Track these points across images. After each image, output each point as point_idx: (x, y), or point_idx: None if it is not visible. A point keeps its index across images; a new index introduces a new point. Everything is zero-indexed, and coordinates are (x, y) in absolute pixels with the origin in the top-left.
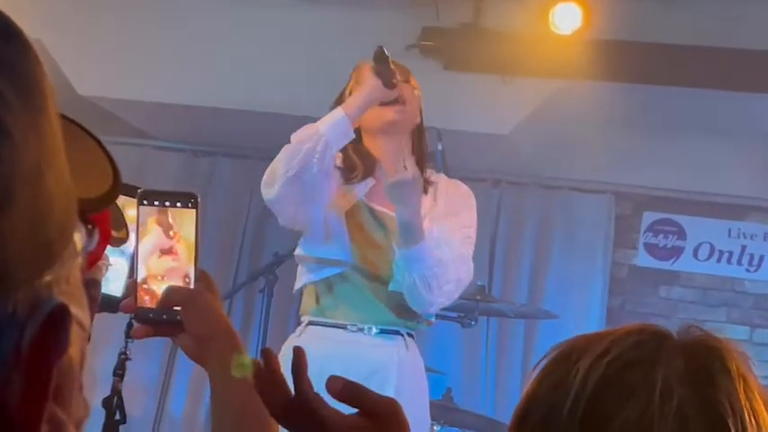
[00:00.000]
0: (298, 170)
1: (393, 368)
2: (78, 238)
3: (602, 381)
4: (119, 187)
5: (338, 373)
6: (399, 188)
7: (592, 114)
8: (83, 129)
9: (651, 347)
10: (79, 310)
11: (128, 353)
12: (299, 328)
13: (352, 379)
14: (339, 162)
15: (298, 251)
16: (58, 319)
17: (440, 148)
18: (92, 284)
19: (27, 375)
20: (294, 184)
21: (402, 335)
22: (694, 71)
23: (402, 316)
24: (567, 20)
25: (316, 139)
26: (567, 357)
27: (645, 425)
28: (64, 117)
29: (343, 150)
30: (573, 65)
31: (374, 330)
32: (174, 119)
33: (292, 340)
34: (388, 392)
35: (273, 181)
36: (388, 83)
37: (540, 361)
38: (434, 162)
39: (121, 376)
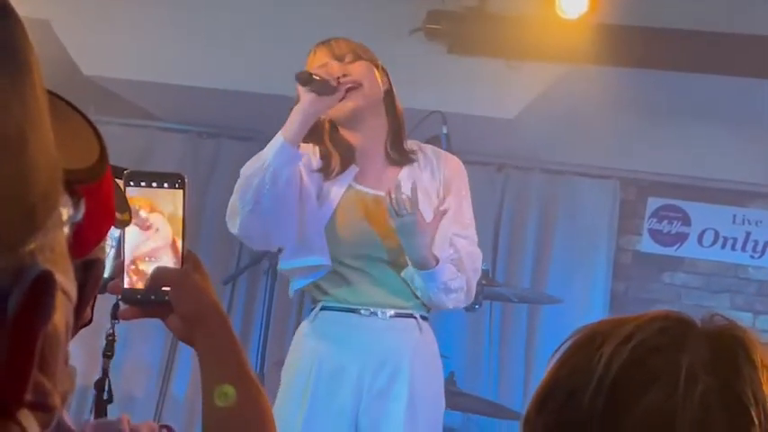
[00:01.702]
0: (253, 205)
1: (407, 352)
2: (65, 208)
3: (626, 366)
4: (105, 159)
5: (352, 359)
6: (405, 227)
7: (597, 99)
8: (69, 104)
9: (676, 334)
10: (65, 279)
11: (115, 334)
12: (313, 313)
13: (366, 364)
14: (316, 163)
15: (279, 266)
16: (44, 286)
17: (444, 131)
18: (96, 264)
19: (12, 343)
20: (253, 218)
21: (416, 318)
22: (700, 56)
23: (414, 299)
24: (573, 4)
25: (262, 172)
26: (590, 342)
27: (668, 411)
28: (50, 93)
29: (321, 146)
30: (579, 49)
31: (388, 314)
32: (180, 100)
33: (305, 326)
34: (403, 377)
35: (235, 216)
36: (324, 92)
37: (563, 344)
38: (439, 146)
39: (110, 357)
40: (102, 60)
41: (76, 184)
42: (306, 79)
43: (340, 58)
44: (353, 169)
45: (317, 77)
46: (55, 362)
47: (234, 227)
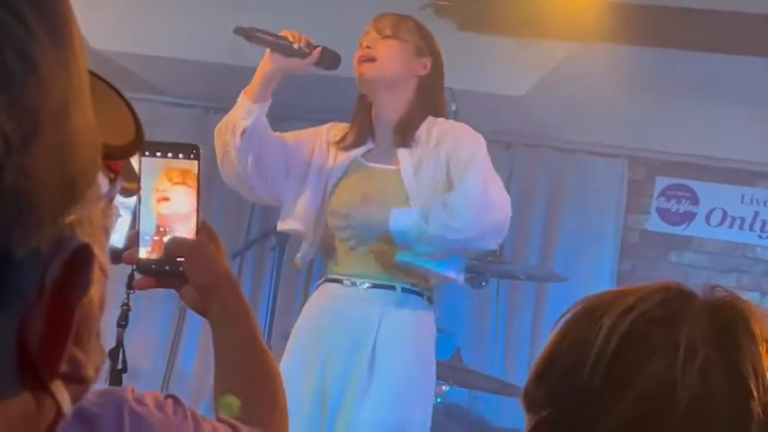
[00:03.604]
0: (223, 155)
1: (374, 322)
2: (102, 182)
3: (626, 338)
4: (142, 137)
5: (328, 326)
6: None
7: (607, 78)
8: (104, 81)
9: (676, 306)
10: (101, 253)
11: (129, 304)
12: (319, 284)
13: (336, 332)
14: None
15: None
16: (82, 258)
17: (453, 108)
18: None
19: (49, 313)
20: (225, 167)
21: (395, 289)
22: (710, 35)
23: (395, 271)
24: None
25: (224, 125)
26: (590, 313)
27: (667, 383)
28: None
29: (353, 116)
30: (589, 27)
31: (366, 285)
32: (187, 75)
33: (311, 298)
34: (367, 346)
35: (219, 166)
36: (276, 47)
37: (563, 316)
38: None
39: (124, 327)
40: (110, 34)
41: (113, 160)
42: (244, 33)
43: (379, 31)
44: (368, 146)
45: (255, 31)
46: (89, 335)
47: (224, 179)
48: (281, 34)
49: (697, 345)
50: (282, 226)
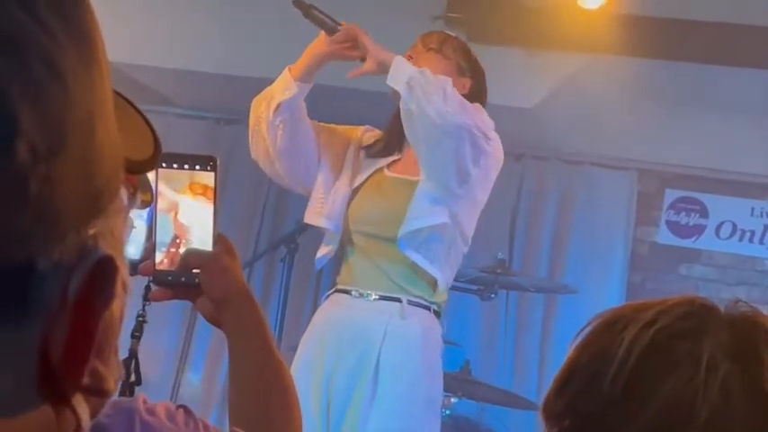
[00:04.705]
0: (254, 127)
1: (379, 334)
2: (124, 195)
3: (647, 351)
4: (160, 152)
5: (333, 336)
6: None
7: (616, 90)
8: (123, 97)
9: (698, 320)
10: (122, 267)
11: (146, 315)
12: (328, 295)
13: (342, 342)
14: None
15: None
16: (106, 270)
17: None
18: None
19: (72, 325)
20: (255, 143)
21: (401, 301)
22: (719, 48)
23: (403, 284)
24: None
25: (262, 97)
26: (611, 326)
27: (688, 397)
28: None
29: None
30: (598, 39)
31: (373, 296)
32: (198, 86)
33: (319, 308)
34: (372, 357)
35: (249, 138)
36: (329, 29)
37: (584, 328)
38: None
39: (138, 338)
40: (121, 46)
41: (133, 174)
42: (302, 7)
43: (425, 45)
44: (395, 156)
45: (314, 8)
46: (110, 349)
47: (252, 152)
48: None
49: (718, 359)
50: (311, 220)
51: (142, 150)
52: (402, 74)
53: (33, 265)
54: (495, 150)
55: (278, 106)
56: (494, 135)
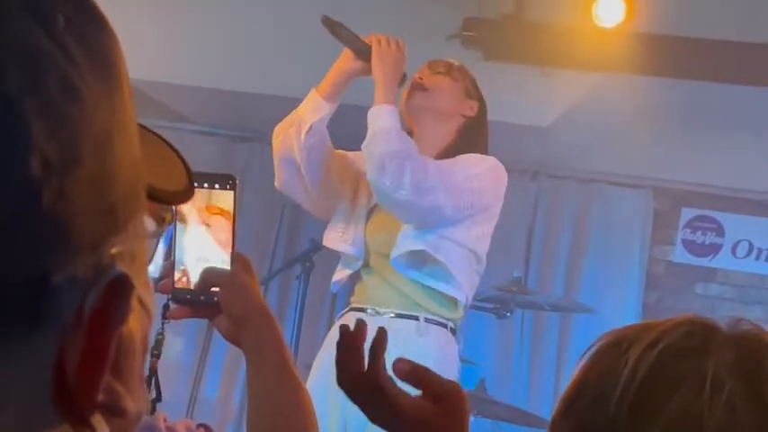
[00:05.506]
0: (282, 154)
1: (395, 352)
2: (150, 222)
3: (652, 370)
4: (193, 186)
5: None
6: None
7: (632, 109)
8: (157, 135)
9: (702, 338)
10: (145, 292)
11: (165, 333)
12: (343, 313)
13: None
14: None
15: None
16: (120, 288)
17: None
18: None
19: (87, 342)
20: (286, 166)
21: (418, 319)
22: (736, 67)
23: (421, 301)
24: (609, 13)
25: (291, 121)
26: (617, 346)
27: (694, 415)
28: (141, 126)
29: None
30: (614, 58)
31: (389, 314)
32: (213, 103)
33: (334, 326)
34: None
35: (276, 167)
36: (358, 50)
37: (589, 349)
38: None
39: (158, 356)
40: (134, 62)
41: (164, 204)
42: (327, 23)
43: (432, 69)
44: None
45: (342, 26)
46: (130, 370)
47: (276, 181)
48: (369, 36)
49: (723, 377)
50: (334, 245)
51: (175, 182)
52: (380, 130)
53: (46, 278)
54: (493, 176)
55: (309, 128)
56: (485, 164)
